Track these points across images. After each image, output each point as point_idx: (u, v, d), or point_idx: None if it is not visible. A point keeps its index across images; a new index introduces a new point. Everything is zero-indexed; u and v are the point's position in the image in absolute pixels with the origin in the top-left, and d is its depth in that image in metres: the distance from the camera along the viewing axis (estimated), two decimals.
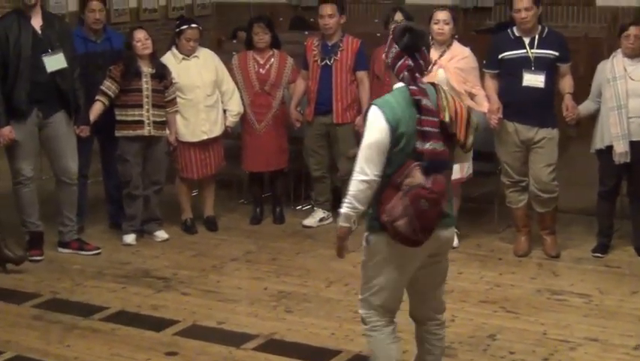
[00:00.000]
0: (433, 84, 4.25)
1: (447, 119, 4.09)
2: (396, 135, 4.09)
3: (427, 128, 4.07)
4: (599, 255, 6.82)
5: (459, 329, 5.59)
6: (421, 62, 4.17)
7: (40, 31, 6.69)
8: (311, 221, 7.65)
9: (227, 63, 7.65)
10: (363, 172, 4.12)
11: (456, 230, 7.01)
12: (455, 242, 6.98)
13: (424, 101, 4.09)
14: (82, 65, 6.96)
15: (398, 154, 4.11)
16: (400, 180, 4.08)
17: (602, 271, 6.59)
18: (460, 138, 4.16)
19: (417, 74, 4.14)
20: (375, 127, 4.12)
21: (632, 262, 6.72)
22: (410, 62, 4.14)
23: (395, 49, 4.18)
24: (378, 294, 4.33)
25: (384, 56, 4.29)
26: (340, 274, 6.46)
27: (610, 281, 6.38)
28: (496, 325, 5.66)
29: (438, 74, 6.82)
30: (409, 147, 4.10)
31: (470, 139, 4.20)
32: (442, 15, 6.90)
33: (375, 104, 4.17)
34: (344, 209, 4.21)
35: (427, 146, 4.07)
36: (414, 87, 4.12)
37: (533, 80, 6.61)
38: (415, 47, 4.15)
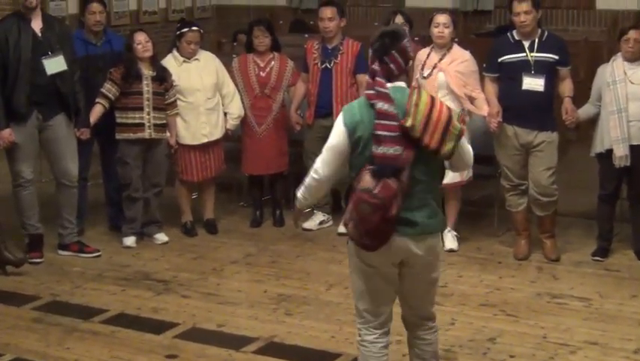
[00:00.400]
0: (411, 87, 4.17)
1: (408, 123, 4.01)
2: (354, 139, 4.15)
3: (381, 132, 4.04)
4: (598, 258, 6.82)
5: (459, 332, 5.59)
6: (392, 65, 4.13)
7: (40, 34, 6.69)
8: (311, 224, 7.65)
9: (228, 66, 7.65)
10: (317, 172, 4.30)
11: (456, 233, 7.10)
12: (455, 245, 7.02)
13: (379, 105, 4.05)
14: (82, 68, 6.96)
15: (358, 158, 4.15)
16: (356, 184, 4.11)
17: (602, 274, 6.59)
18: (428, 144, 4.04)
19: (377, 78, 4.10)
20: (335, 130, 4.24)
21: (631, 265, 6.72)
22: (375, 67, 4.15)
23: (370, 52, 4.24)
24: (361, 299, 4.36)
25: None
26: (340, 277, 6.46)
27: (610, 285, 6.38)
28: (496, 328, 5.66)
29: (438, 78, 6.84)
30: (367, 151, 4.10)
31: (447, 146, 4.07)
32: (442, 18, 6.91)
33: (342, 108, 4.30)
34: (298, 193, 4.41)
35: (379, 150, 4.04)
36: (370, 91, 4.13)
37: (533, 83, 6.62)
38: (384, 51, 4.14)
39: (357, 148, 4.14)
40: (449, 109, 4.15)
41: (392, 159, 4.03)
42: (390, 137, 4.03)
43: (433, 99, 4.12)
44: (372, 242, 4.12)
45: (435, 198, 4.26)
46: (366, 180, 4.04)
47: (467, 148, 4.28)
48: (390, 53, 4.13)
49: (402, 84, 4.17)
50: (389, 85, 4.12)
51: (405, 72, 4.19)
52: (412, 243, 4.17)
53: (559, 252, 6.90)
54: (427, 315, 4.45)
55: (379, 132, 4.03)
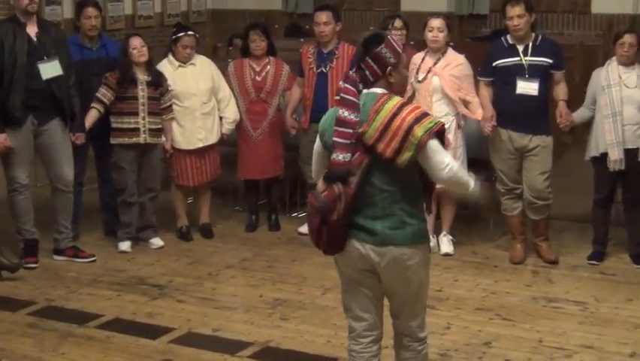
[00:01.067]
0: (381, 94, 4.08)
1: (362, 130, 4.01)
2: (323, 143, 4.20)
3: (336, 139, 4.06)
4: (594, 262, 6.83)
5: (454, 336, 5.59)
6: (367, 72, 4.09)
7: (35, 39, 6.68)
8: (306, 228, 7.63)
9: (223, 70, 7.65)
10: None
11: (451, 237, 7.10)
12: (451, 249, 7.03)
13: (339, 112, 4.05)
14: (77, 72, 6.95)
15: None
16: None
17: (598, 278, 6.60)
18: (383, 152, 4.00)
19: (346, 84, 4.09)
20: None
21: (627, 269, 6.73)
22: (350, 72, 4.16)
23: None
24: (342, 298, 4.42)
25: None
26: (336, 282, 6.37)
27: (605, 289, 6.38)
28: (491, 332, 5.67)
29: (432, 82, 6.84)
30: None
31: (404, 156, 3.97)
32: (436, 22, 6.90)
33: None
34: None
35: (332, 156, 4.07)
36: (337, 97, 4.14)
37: (527, 87, 6.63)
38: (359, 56, 4.12)
39: (328, 152, 4.18)
40: (418, 118, 3.99)
41: (340, 166, 4.03)
42: (343, 144, 4.03)
43: (401, 107, 4.02)
44: (315, 242, 4.19)
45: (406, 209, 4.10)
46: (320, 183, 4.11)
47: (439, 159, 4.03)
48: (365, 59, 4.09)
49: (376, 90, 4.10)
50: (365, 91, 4.10)
51: (382, 79, 4.10)
52: (373, 252, 4.13)
53: (556, 253, 6.91)
54: (407, 332, 4.33)
55: (334, 139, 4.05)
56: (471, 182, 4.16)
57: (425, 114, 4.05)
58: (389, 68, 4.09)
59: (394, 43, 4.13)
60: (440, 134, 4.06)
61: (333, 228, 4.08)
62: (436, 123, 4.02)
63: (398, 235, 4.10)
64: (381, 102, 4.04)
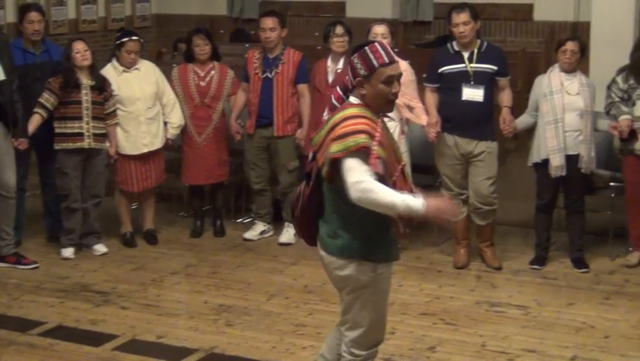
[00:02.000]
0: (344, 104, 4.08)
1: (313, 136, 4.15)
2: None
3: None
4: (536, 267, 6.90)
5: (399, 341, 5.61)
6: (347, 78, 4.12)
7: None
8: (252, 234, 7.63)
9: (168, 75, 7.62)
10: None
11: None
12: None
13: (324, 114, 4.20)
14: (20, 77, 6.88)
15: None
16: None
17: (540, 282, 6.67)
18: (318, 162, 4.07)
19: (337, 88, 4.17)
20: None
21: (568, 273, 6.81)
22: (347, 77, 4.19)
23: None
24: None
25: None
26: (281, 287, 6.47)
27: (547, 293, 6.45)
28: (435, 337, 5.70)
29: None
30: None
31: (324, 169, 3.98)
32: (379, 29, 6.92)
33: None
34: None
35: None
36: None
37: (472, 94, 6.69)
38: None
39: None
40: (344, 135, 3.91)
41: (308, 163, 4.22)
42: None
43: (341, 121, 3.95)
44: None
45: (339, 220, 4.08)
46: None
47: (350, 179, 3.89)
48: (348, 66, 4.12)
49: (351, 99, 4.09)
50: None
51: (355, 87, 4.05)
52: (320, 250, 4.24)
53: (500, 260, 6.97)
54: (344, 335, 4.31)
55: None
56: (397, 203, 3.84)
57: (355, 132, 3.91)
58: (358, 78, 4.02)
59: (371, 56, 3.99)
60: (366, 154, 3.91)
61: (297, 223, 4.34)
62: (357, 143, 3.88)
63: (329, 243, 4.14)
64: (336, 111, 4.05)
